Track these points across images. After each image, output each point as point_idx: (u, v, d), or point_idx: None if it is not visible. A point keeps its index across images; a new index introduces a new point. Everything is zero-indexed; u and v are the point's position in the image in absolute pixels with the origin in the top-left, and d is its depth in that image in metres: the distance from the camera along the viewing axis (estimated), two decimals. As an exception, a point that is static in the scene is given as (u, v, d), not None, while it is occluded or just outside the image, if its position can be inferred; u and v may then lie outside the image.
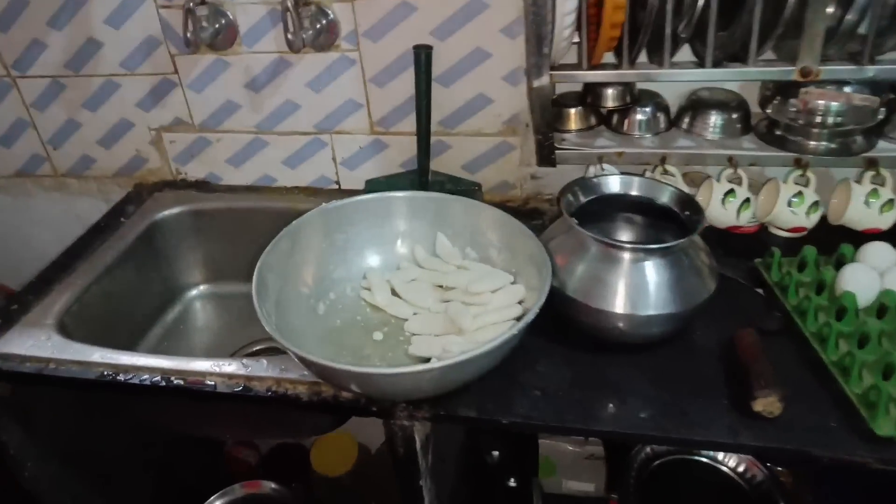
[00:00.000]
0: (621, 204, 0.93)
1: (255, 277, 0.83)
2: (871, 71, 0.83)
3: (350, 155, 1.23)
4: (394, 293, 0.97)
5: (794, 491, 1.05)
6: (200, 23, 1.06)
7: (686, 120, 1.02)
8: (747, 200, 0.97)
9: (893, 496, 0.92)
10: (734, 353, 0.85)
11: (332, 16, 1.08)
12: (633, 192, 0.89)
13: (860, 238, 0.95)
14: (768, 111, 0.96)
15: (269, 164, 1.27)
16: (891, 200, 0.95)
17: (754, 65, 0.83)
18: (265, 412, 0.92)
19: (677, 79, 0.85)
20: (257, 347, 1.23)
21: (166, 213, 1.25)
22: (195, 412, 0.98)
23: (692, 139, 1.01)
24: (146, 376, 0.88)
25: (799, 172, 0.96)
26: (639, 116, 1.02)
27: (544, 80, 0.84)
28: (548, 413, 0.81)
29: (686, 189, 0.97)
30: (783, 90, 0.94)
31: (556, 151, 0.97)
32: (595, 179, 0.91)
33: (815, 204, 0.96)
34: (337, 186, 1.28)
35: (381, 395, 0.81)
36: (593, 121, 1.05)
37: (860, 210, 0.95)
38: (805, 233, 1.01)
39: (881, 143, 0.96)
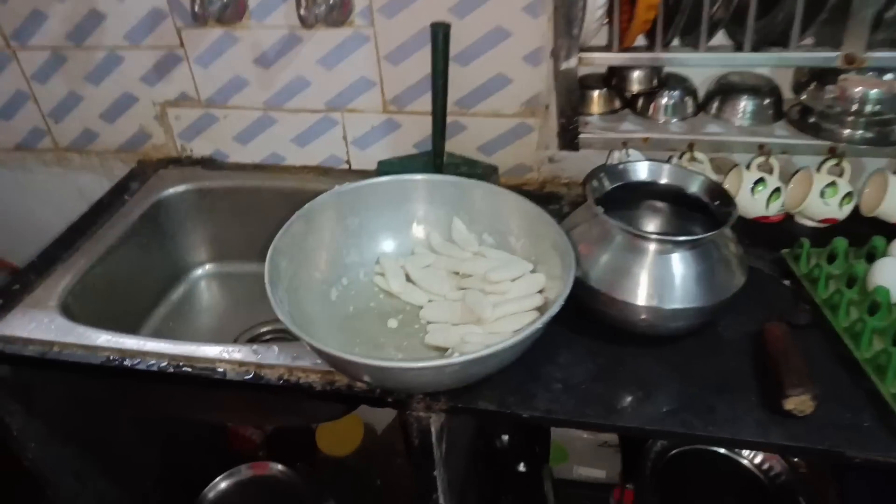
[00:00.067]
0: (647, 191, 0.90)
1: (267, 263, 0.80)
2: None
3: (361, 134, 1.19)
4: (408, 279, 0.94)
5: (815, 484, 1.02)
6: (209, -6, 1.01)
7: (715, 105, 0.98)
8: (777, 190, 0.93)
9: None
10: (763, 347, 0.82)
11: (346, -11, 1.03)
12: (662, 180, 0.86)
13: (890, 230, 0.91)
14: (802, 97, 0.93)
15: (278, 143, 1.23)
16: (927, 193, 0.92)
17: (795, 50, 0.78)
18: (276, 399, 0.89)
19: (713, 64, 0.81)
20: (264, 329, 1.20)
21: (171, 190, 1.21)
22: (202, 398, 0.95)
23: (721, 125, 0.97)
24: (153, 362, 0.85)
25: (833, 162, 0.93)
26: (666, 100, 0.98)
27: (572, 63, 0.80)
28: (569, 407, 0.78)
29: (714, 177, 0.93)
30: (819, 76, 0.91)
31: (580, 136, 0.93)
32: (621, 166, 0.87)
33: (849, 195, 0.93)
34: (347, 166, 1.24)
35: (399, 387, 0.78)
36: (617, 104, 1.01)
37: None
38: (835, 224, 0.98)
39: (920, 134, 0.92)
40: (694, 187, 0.85)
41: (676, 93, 0.98)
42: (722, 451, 1.10)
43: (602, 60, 0.84)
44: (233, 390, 0.84)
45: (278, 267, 0.82)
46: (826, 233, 0.99)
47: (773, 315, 0.87)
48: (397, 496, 1.45)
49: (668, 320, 0.81)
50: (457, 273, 0.94)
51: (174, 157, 1.29)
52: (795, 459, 1.09)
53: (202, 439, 1.36)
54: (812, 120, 0.94)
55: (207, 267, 1.29)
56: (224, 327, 1.20)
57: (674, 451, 1.10)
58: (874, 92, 0.85)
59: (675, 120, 0.99)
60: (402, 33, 1.06)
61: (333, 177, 1.22)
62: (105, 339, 0.88)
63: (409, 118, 1.15)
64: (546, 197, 1.15)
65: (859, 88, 0.87)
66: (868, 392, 0.76)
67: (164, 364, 0.85)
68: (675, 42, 0.86)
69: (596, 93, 1.00)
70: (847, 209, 0.94)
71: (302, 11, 0.96)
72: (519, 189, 1.15)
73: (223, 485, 1.26)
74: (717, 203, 0.84)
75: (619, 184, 0.87)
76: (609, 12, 0.81)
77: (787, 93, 0.96)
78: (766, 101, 0.96)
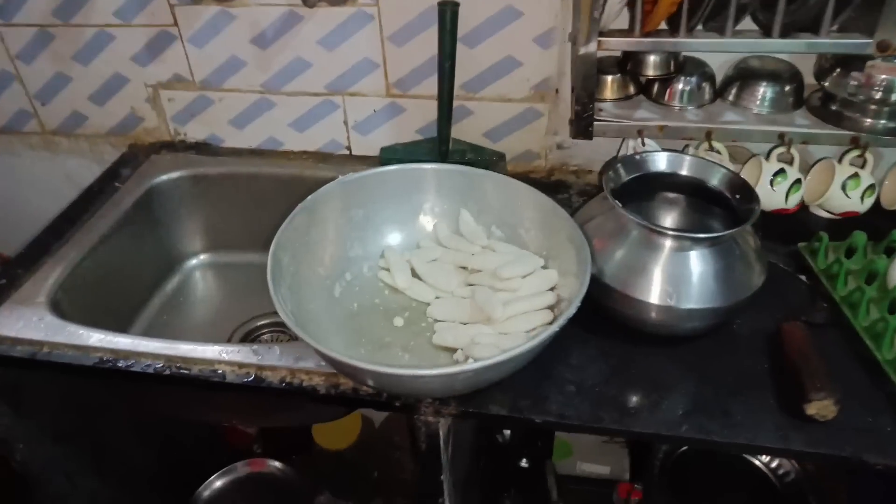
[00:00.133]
0: (662, 182, 0.86)
1: (269, 259, 0.76)
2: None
3: (363, 118, 1.14)
4: (414, 274, 0.90)
5: (825, 483, 1.01)
6: (203, -30, 0.96)
7: (733, 91, 0.94)
8: (798, 182, 0.90)
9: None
10: (781, 347, 0.79)
11: (348, -34, 0.98)
12: (682, 172, 0.82)
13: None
14: (825, 84, 0.89)
15: (276, 127, 1.19)
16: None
17: (826, 36, 0.74)
18: (277, 401, 0.86)
19: (739, 50, 0.77)
20: (262, 322, 1.17)
21: (165, 177, 1.16)
22: (200, 399, 0.92)
23: (739, 112, 0.93)
24: (148, 363, 0.82)
25: (857, 153, 0.89)
26: (683, 86, 0.94)
27: (591, 47, 0.75)
28: (583, 411, 0.75)
29: (732, 168, 0.89)
30: (844, 62, 0.87)
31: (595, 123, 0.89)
32: (638, 156, 0.84)
33: (871, 187, 0.89)
34: (348, 152, 1.20)
35: (408, 393, 0.75)
36: (632, 89, 0.97)
37: (919, 195, 0.88)
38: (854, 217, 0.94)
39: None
40: (714, 180, 0.81)
41: (694, 78, 0.93)
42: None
43: (623, 45, 0.80)
44: (232, 392, 0.81)
45: (280, 263, 0.78)
46: (842, 225, 0.96)
47: (790, 313, 0.84)
48: (395, 489, 1.43)
49: (684, 320, 0.78)
50: (464, 268, 0.90)
51: (167, 141, 1.24)
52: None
53: (197, 435, 1.33)
54: (834, 108, 0.91)
55: (202, 257, 1.25)
56: (220, 320, 1.16)
57: (683, 448, 1.08)
58: (902, 81, 0.82)
59: (691, 107, 0.95)
60: (408, 12, 1.01)
61: (333, 163, 1.18)
62: (97, 338, 0.84)
63: (413, 102, 1.10)
64: (554, 185, 1.12)
65: (885, 76, 0.83)
66: (889, 395, 0.74)
67: (159, 365, 0.81)
68: (698, 26, 0.81)
69: (610, 78, 0.96)
70: (869, 202, 0.90)
71: (302, -11, 0.91)
72: (526, 177, 1.12)
73: (218, 483, 1.23)
74: (737, 197, 0.80)
75: (636, 175, 0.84)
76: (633, -7, 0.76)
77: (808, 78, 0.92)
78: (787, 88, 0.92)
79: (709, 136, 0.90)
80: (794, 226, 0.98)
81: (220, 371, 0.80)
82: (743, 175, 0.93)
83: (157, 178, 1.16)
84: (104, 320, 1.00)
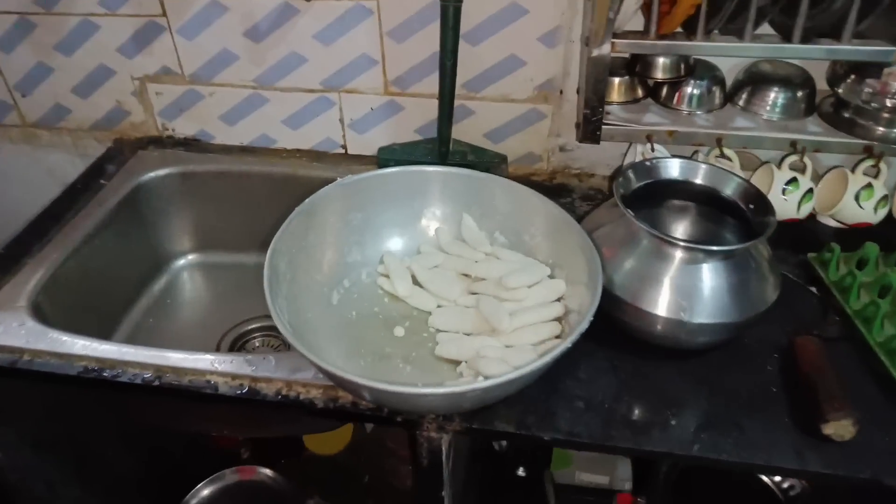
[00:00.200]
0: (673, 190, 0.83)
1: (266, 267, 0.72)
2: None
3: (360, 116, 1.10)
4: (414, 281, 0.87)
5: (830, 498, 0.99)
6: (194, -41, 0.91)
7: (743, 96, 0.92)
8: (810, 191, 0.88)
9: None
10: (795, 363, 0.77)
11: (347, -42, 0.94)
12: (695, 180, 0.80)
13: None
14: (839, 90, 0.86)
15: (269, 123, 1.14)
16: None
17: (848, 43, 0.72)
18: (272, 413, 0.82)
19: (758, 55, 0.75)
20: (253, 326, 1.13)
21: (152, 174, 1.12)
22: (190, 410, 0.88)
23: (749, 118, 0.91)
24: (136, 372, 0.77)
25: (871, 162, 0.87)
26: (692, 90, 0.91)
27: (605, 49, 0.72)
28: (593, 428, 0.73)
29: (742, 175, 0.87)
30: (858, 68, 0.84)
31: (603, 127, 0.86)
32: (650, 163, 0.81)
33: (885, 198, 0.87)
34: (343, 151, 1.16)
35: (411, 409, 0.72)
36: (640, 92, 0.94)
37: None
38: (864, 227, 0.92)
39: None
40: (728, 189, 0.78)
41: (704, 82, 0.91)
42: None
43: (637, 48, 0.77)
44: (225, 404, 0.77)
45: (277, 270, 0.75)
46: (852, 235, 0.94)
47: (801, 326, 0.82)
48: (386, 494, 1.40)
49: (695, 334, 0.76)
50: (467, 275, 0.87)
51: (154, 136, 1.20)
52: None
53: (184, 441, 1.28)
54: (847, 115, 0.88)
55: (191, 257, 1.20)
56: (209, 323, 1.12)
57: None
58: (919, 89, 0.79)
59: (700, 112, 0.92)
60: (409, 7, 0.97)
61: (328, 162, 1.14)
62: (82, 345, 0.80)
63: (411, 101, 1.07)
64: (556, 189, 1.09)
65: (904, 84, 0.81)
66: (908, 414, 0.72)
67: (148, 376, 0.77)
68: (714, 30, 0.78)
69: (617, 80, 0.93)
70: (882, 213, 0.88)
71: (299, -19, 0.87)
72: (527, 180, 1.09)
73: (206, 491, 1.19)
74: (751, 207, 0.78)
75: (647, 182, 0.81)
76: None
77: (821, 83, 0.90)
78: (800, 94, 0.89)
79: (719, 142, 0.88)
80: (803, 234, 0.96)
81: (212, 382, 0.76)
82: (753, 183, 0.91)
83: (144, 176, 1.11)
84: (88, 324, 0.96)
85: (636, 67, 0.92)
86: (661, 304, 0.74)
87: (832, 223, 0.97)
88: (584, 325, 0.67)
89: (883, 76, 0.81)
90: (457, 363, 0.77)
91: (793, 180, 0.87)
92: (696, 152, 0.94)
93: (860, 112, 0.87)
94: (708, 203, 0.83)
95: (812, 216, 0.96)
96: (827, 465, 0.69)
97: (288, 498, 1.20)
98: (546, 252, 0.85)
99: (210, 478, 1.20)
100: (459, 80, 0.97)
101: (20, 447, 0.98)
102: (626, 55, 0.94)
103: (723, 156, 0.88)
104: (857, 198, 0.87)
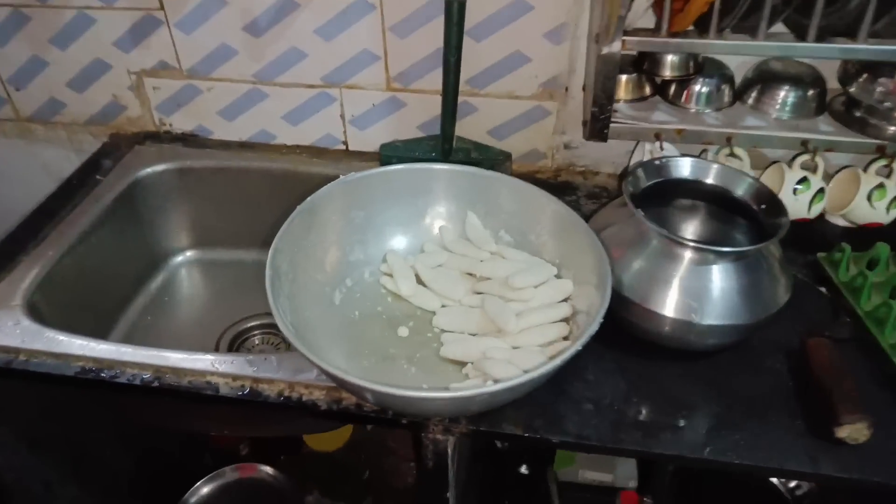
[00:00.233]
0: (683, 189, 0.82)
1: (268, 267, 0.70)
2: None
3: (361, 113, 1.09)
4: (418, 280, 0.85)
5: (837, 499, 0.98)
6: (194, -49, 0.89)
7: (753, 94, 0.90)
8: (821, 191, 0.86)
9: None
10: (806, 365, 0.76)
11: (350, -48, 0.92)
12: (706, 180, 0.78)
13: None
14: (850, 89, 0.85)
15: (268, 119, 1.12)
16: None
17: (864, 42, 0.70)
18: (273, 413, 0.81)
19: (772, 53, 0.74)
20: (253, 323, 1.11)
21: (149, 170, 1.10)
22: (189, 411, 0.86)
23: (759, 117, 0.89)
24: (134, 373, 0.76)
25: (883, 162, 0.86)
26: (701, 88, 0.89)
27: (615, 47, 0.71)
28: (603, 431, 0.71)
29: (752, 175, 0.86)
30: (871, 67, 0.83)
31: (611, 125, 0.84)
32: (659, 162, 0.79)
33: (896, 198, 0.86)
34: (344, 147, 1.14)
35: (417, 413, 0.70)
36: (648, 90, 0.92)
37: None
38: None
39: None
40: (740, 190, 0.77)
41: (713, 80, 0.89)
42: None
43: (649, 46, 0.75)
44: (226, 405, 0.75)
45: (279, 270, 0.73)
46: (861, 234, 0.93)
47: (811, 327, 0.81)
48: (386, 490, 1.39)
49: (704, 336, 0.74)
50: (471, 274, 0.86)
51: (151, 131, 1.17)
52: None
53: (183, 439, 1.27)
54: (858, 114, 0.87)
55: (189, 254, 1.19)
56: (208, 321, 1.10)
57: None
58: (934, 89, 0.78)
59: (708, 110, 0.91)
60: (412, 2, 0.95)
61: (329, 158, 1.12)
62: (79, 344, 0.78)
63: (414, 97, 1.05)
64: (561, 186, 1.07)
65: (916, 83, 0.80)
66: (922, 417, 0.71)
67: (147, 376, 0.75)
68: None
69: (625, 78, 0.91)
70: (894, 213, 0.87)
71: (301, -25, 0.85)
72: (532, 177, 1.07)
73: (206, 489, 1.17)
74: (762, 207, 0.76)
75: (656, 181, 0.80)
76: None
77: (831, 82, 0.89)
78: (811, 93, 0.88)
79: (729, 140, 0.86)
80: (811, 234, 0.95)
81: (212, 383, 0.75)
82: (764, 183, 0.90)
83: (141, 171, 1.09)
84: (84, 323, 0.95)
85: (644, 65, 0.91)
86: (671, 305, 0.73)
87: (840, 222, 0.96)
88: (595, 327, 0.66)
89: (896, 75, 0.80)
90: (462, 364, 0.76)
91: (804, 180, 0.86)
92: (703, 151, 0.92)
93: (872, 111, 0.86)
94: (717, 202, 0.81)
95: (820, 215, 0.95)
96: (841, 468, 0.68)
97: (288, 496, 1.18)
98: (552, 251, 0.83)
99: (210, 475, 1.18)
100: (463, 76, 0.95)
101: (16, 447, 0.96)
102: (634, 53, 0.93)
103: (733, 155, 0.87)
104: (868, 198, 0.86)
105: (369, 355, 0.78)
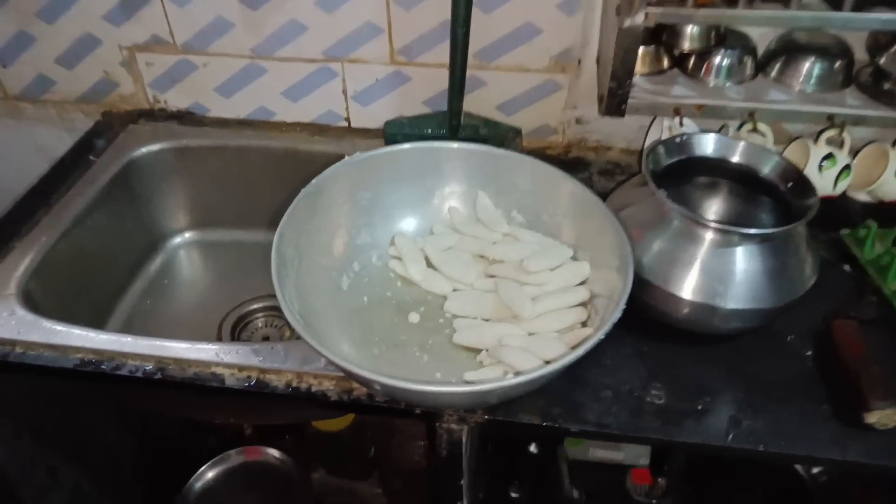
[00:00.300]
0: (705, 167, 0.79)
1: (273, 254, 0.67)
2: None
3: (364, 88, 1.04)
4: (428, 264, 0.82)
5: (857, 484, 0.96)
6: (187, -83, 0.84)
7: (776, 66, 0.86)
8: (847, 167, 0.83)
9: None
10: (832, 348, 0.74)
11: (352, -83, 0.87)
12: (732, 158, 0.75)
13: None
14: (880, 61, 0.81)
15: (267, 96, 1.08)
16: None
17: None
18: (280, 403, 0.78)
19: (806, 24, 0.70)
20: (256, 306, 1.08)
21: (144, 149, 1.06)
22: (193, 401, 0.83)
23: (782, 90, 0.85)
24: (136, 364, 0.73)
25: (912, 136, 0.82)
26: (723, 61, 0.85)
27: (638, 19, 0.67)
28: (622, 419, 0.69)
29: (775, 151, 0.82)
30: (902, 36, 0.79)
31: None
32: (680, 139, 0.76)
33: (925, 174, 0.83)
34: (346, 124, 1.10)
35: (432, 405, 0.67)
36: (666, 63, 0.88)
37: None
38: (897, 203, 0.88)
39: None
40: (766, 168, 0.74)
41: (735, 52, 0.85)
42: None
43: (675, 18, 0.71)
44: (233, 395, 0.73)
45: (285, 257, 0.70)
46: (883, 210, 0.91)
47: (836, 307, 0.78)
48: (391, 468, 1.38)
49: (727, 320, 0.72)
50: (483, 257, 0.82)
51: (145, 109, 1.13)
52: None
53: (187, 422, 1.25)
54: (887, 86, 0.83)
55: (187, 235, 1.15)
56: (209, 304, 1.07)
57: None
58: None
59: (729, 83, 0.87)
60: (417, -29, 0.91)
61: (330, 136, 1.08)
62: (77, 335, 0.75)
63: (419, 71, 1.01)
64: (572, 163, 1.04)
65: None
66: (951, 401, 0.69)
67: (149, 368, 0.72)
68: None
69: (642, 50, 0.87)
70: (922, 189, 0.84)
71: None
72: (542, 153, 1.04)
73: (211, 473, 1.15)
74: (789, 185, 0.73)
75: (678, 159, 0.76)
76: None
77: (859, 53, 0.85)
78: (837, 64, 0.84)
79: (752, 116, 0.83)
80: (833, 211, 0.92)
81: (217, 374, 0.72)
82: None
83: (137, 151, 1.05)
84: (81, 310, 0.92)
85: (662, 36, 0.87)
86: (693, 288, 0.70)
87: (862, 198, 0.93)
88: (617, 315, 0.63)
89: (929, 44, 0.76)
90: (476, 351, 0.73)
91: (829, 156, 0.83)
92: (723, 127, 0.89)
93: (900, 83, 0.82)
94: (740, 180, 0.78)
95: (842, 192, 0.92)
96: (870, 455, 0.66)
97: (294, 479, 1.16)
98: (568, 232, 0.80)
99: (214, 459, 1.16)
100: (471, 48, 0.91)
101: (18, 437, 0.93)
102: (652, 24, 0.89)
103: (756, 130, 0.83)
104: (896, 174, 0.82)
105: (379, 343, 0.75)
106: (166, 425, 1.20)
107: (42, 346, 0.74)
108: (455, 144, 0.82)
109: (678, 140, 0.76)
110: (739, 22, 0.79)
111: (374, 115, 1.07)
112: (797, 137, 0.87)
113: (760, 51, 0.88)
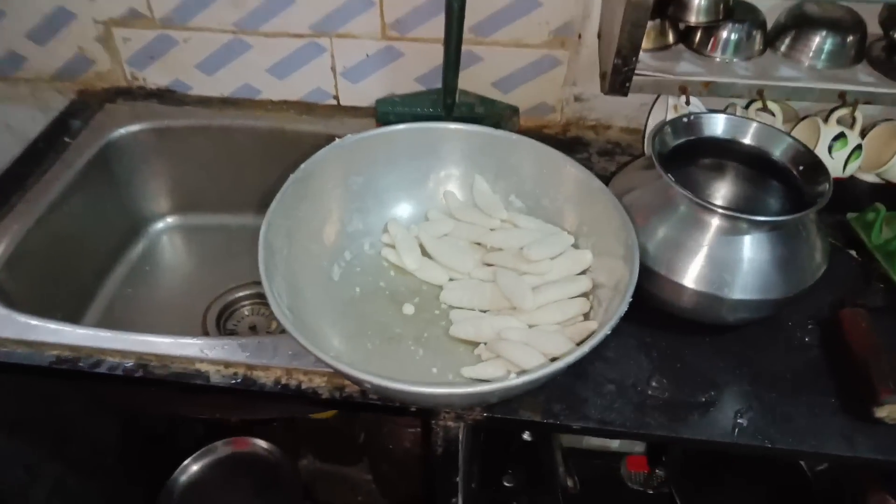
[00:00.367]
0: (712, 149, 0.75)
1: (261, 245, 0.63)
2: None
3: (354, 64, 0.99)
4: (422, 252, 0.79)
5: (864, 485, 0.94)
6: None
7: (786, 41, 0.82)
8: (858, 147, 0.80)
9: None
10: (841, 338, 0.71)
11: None
12: (743, 140, 0.71)
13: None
14: (894, 34, 0.77)
15: (252, 73, 1.03)
16: None
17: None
18: (270, 400, 0.75)
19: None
20: (242, 293, 1.04)
21: (122, 130, 1.01)
22: (177, 398, 0.80)
23: (792, 66, 0.82)
24: (116, 362, 0.69)
25: (926, 116, 0.79)
26: (730, 35, 0.81)
27: (648, -8, 0.62)
28: (626, 415, 0.66)
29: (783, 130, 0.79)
30: (918, 9, 0.75)
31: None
32: (688, 119, 0.72)
33: (938, 155, 0.80)
34: (335, 102, 1.05)
35: (430, 406, 0.64)
36: (671, 38, 0.84)
37: None
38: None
39: None
40: (777, 151, 0.70)
41: (744, 26, 0.81)
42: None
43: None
44: (218, 392, 0.69)
45: (272, 247, 0.66)
46: (890, 192, 0.88)
47: (843, 295, 0.76)
48: (380, 454, 1.36)
49: (734, 311, 0.69)
50: (480, 244, 0.79)
51: (123, 87, 1.07)
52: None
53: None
54: (900, 62, 0.80)
55: (170, 220, 1.11)
56: (193, 291, 1.03)
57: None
58: None
59: (736, 59, 0.83)
60: (409, -59, 0.86)
61: (319, 114, 1.04)
62: (53, 330, 0.71)
63: (412, 46, 0.96)
64: (570, 142, 1.00)
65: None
66: (963, 393, 0.67)
67: (129, 365, 0.69)
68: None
69: (647, 24, 0.82)
70: (935, 172, 0.81)
71: None
72: (539, 132, 1.00)
73: (196, 466, 1.12)
74: (800, 168, 0.70)
75: (684, 140, 0.73)
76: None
77: (872, 27, 0.81)
78: (850, 39, 0.80)
79: (761, 94, 0.79)
80: (839, 192, 0.88)
81: (202, 371, 0.69)
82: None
83: (115, 132, 1.00)
84: (59, 299, 0.88)
85: (668, 9, 0.82)
86: (699, 277, 0.67)
87: (868, 179, 0.90)
88: (624, 308, 0.60)
89: (947, 18, 0.72)
90: (474, 344, 0.70)
91: (840, 136, 0.79)
92: (729, 105, 0.85)
93: (915, 59, 0.79)
94: (749, 163, 0.75)
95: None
96: (880, 450, 0.64)
97: (283, 470, 1.14)
98: (569, 218, 0.77)
99: (200, 451, 1.13)
100: (466, 22, 0.86)
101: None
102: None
103: (765, 109, 0.80)
104: (908, 155, 0.79)
105: (373, 336, 0.72)
106: (151, 416, 1.17)
107: (15, 343, 0.70)
108: (452, 125, 0.78)
109: (686, 120, 0.72)
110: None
111: (364, 93, 1.02)
112: (805, 117, 0.84)
113: (769, 24, 0.84)
